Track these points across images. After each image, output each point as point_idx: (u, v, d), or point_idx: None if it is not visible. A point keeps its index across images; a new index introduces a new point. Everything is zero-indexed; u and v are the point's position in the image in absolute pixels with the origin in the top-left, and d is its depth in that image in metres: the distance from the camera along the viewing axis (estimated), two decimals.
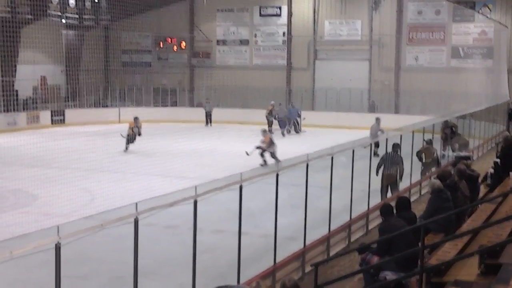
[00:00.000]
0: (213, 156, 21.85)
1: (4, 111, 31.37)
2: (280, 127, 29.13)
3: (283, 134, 28.72)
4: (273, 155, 20.45)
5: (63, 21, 35.39)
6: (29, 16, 32.58)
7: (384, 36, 35.45)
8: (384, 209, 8.27)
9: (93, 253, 10.37)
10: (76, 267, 9.38)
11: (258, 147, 20.74)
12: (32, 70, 34.15)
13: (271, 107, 30.43)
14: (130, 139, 23.29)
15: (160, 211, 7.21)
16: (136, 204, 6.77)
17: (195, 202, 7.67)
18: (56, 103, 34.50)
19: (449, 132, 20.76)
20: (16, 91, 33.44)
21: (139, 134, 23.52)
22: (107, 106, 36.59)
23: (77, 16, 35.77)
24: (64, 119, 33.57)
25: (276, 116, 29.64)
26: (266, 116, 30.23)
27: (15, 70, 33.37)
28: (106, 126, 31.47)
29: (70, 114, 34.02)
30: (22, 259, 5.59)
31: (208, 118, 33.70)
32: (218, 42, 39.46)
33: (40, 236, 5.87)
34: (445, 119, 20.98)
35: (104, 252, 10.69)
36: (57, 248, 5.82)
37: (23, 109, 32.09)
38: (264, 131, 21.81)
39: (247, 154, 20.31)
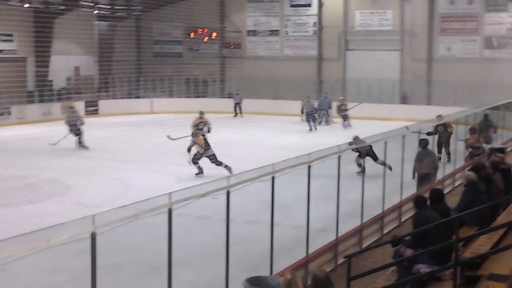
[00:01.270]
0: (244, 148, 21.88)
1: (39, 101, 31.81)
2: (307, 121, 28.54)
3: (311, 128, 28.12)
4: (213, 160, 17.08)
5: (95, 12, 35.71)
6: (62, 7, 32.96)
7: (415, 26, 35.08)
8: (418, 201, 8.21)
9: (127, 243, 10.48)
10: (110, 256, 9.50)
11: (194, 156, 17.14)
12: (66, 60, 34.57)
13: (340, 102, 29.88)
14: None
15: (193, 201, 7.26)
16: (170, 194, 6.82)
17: (228, 193, 7.70)
18: (89, 93, 34.90)
19: (442, 131, 18.14)
20: (51, 81, 33.94)
21: (208, 131, 21.00)
22: (139, 96, 36.86)
23: (109, 6, 36.04)
24: (97, 110, 33.91)
25: (303, 110, 29.03)
26: (339, 112, 29.75)
27: (49, 61, 33.84)
28: (139, 117, 31.75)
29: (103, 104, 34.34)
30: (58, 248, 5.68)
31: (238, 109, 33.73)
32: (248, 32, 39.43)
33: (75, 226, 5.95)
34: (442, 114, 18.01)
35: (138, 242, 10.78)
36: (93, 237, 5.88)
37: (58, 100, 32.47)
38: (194, 133, 18.32)
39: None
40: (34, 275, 9.27)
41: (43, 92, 32.41)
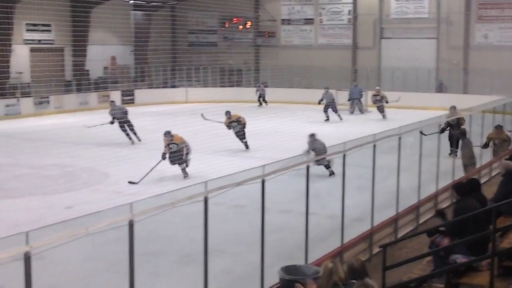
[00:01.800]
0: (279, 137, 21.88)
1: (76, 91, 32.24)
2: (324, 111, 27.61)
3: (327, 119, 27.35)
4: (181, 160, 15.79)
5: (131, 1, 35.99)
6: None
7: (452, 13, 34.57)
8: (461, 188, 8.07)
9: (162, 231, 10.59)
10: (146, 244, 9.61)
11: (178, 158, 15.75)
12: (102, 50, 34.96)
13: (376, 92, 28.95)
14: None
15: (228, 190, 7.31)
16: (206, 183, 6.88)
17: (263, 182, 7.73)
18: (125, 83, 35.25)
19: (454, 124, 16.25)
20: (87, 71, 34.38)
21: (243, 128, 19.85)
22: (174, 86, 37.09)
23: None
24: (133, 99, 34.24)
25: (323, 100, 28.09)
26: (374, 102, 28.75)
27: (86, 51, 34.27)
28: (174, 106, 31.97)
29: (139, 94, 34.67)
30: (95, 236, 5.77)
31: (263, 100, 33.58)
32: (283, 21, 39.31)
33: (113, 214, 6.05)
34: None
35: (173, 230, 10.89)
36: (131, 225, 5.96)
37: (95, 89, 32.86)
38: (167, 133, 16.23)
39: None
40: (72, 263, 9.42)
41: (80, 81, 32.86)
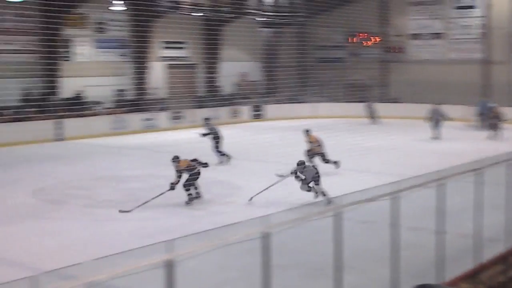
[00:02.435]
0: (407, 153, 21.58)
1: (208, 106, 33.41)
2: (435, 127, 26.14)
3: (437, 137, 25.91)
4: (186, 183, 14.80)
5: (260, 19, 36.90)
6: (230, 15, 34.48)
7: None
8: None
9: (291, 244, 10.77)
10: (276, 256, 9.83)
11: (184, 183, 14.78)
12: (233, 66, 36.09)
13: (494, 107, 27.58)
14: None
15: (359, 206, 7.41)
16: (340, 197, 7.04)
17: (396, 198, 7.76)
18: (255, 98, 36.13)
19: None
20: (219, 87, 35.64)
21: (320, 154, 18.43)
22: (303, 101, 37.49)
23: (273, 14, 37.09)
24: (263, 114, 35.00)
25: (431, 117, 26.54)
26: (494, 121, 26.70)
27: (218, 67, 35.54)
28: (303, 121, 32.27)
29: (269, 109, 35.41)
30: (229, 246, 6.05)
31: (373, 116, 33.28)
32: (411, 36, 38.74)
33: (246, 225, 6.31)
34: None
35: (303, 244, 11.04)
36: (265, 237, 6.19)
37: (226, 105, 33.87)
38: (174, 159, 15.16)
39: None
40: (207, 271, 9.80)
41: (213, 97, 34.07)
